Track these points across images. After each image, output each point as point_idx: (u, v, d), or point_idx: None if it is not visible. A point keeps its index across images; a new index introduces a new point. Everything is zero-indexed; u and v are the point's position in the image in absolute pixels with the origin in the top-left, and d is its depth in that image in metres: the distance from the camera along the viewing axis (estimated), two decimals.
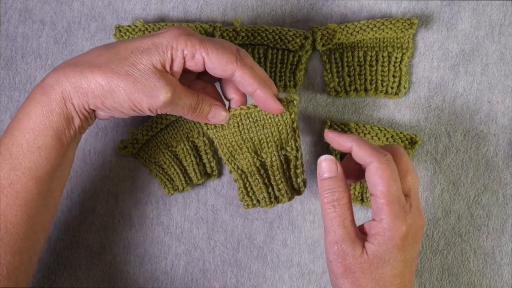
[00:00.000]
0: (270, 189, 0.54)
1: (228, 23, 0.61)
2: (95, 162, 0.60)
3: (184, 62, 0.48)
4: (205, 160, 0.60)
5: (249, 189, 0.54)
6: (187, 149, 0.60)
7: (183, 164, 0.60)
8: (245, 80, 0.49)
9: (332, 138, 0.51)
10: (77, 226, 0.60)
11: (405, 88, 0.60)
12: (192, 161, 0.59)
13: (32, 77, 0.61)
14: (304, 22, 0.62)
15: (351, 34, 0.59)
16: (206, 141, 0.60)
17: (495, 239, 0.60)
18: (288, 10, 0.62)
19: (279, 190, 0.54)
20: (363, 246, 0.47)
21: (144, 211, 0.60)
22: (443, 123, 0.61)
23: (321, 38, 0.60)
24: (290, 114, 0.52)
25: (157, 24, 0.60)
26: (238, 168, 0.54)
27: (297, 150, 0.53)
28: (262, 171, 0.54)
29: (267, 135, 0.53)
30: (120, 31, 0.60)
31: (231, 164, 0.54)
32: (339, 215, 0.48)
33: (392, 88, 0.60)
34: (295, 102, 0.52)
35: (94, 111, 0.49)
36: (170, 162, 0.59)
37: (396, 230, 0.46)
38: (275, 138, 0.53)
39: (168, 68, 0.48)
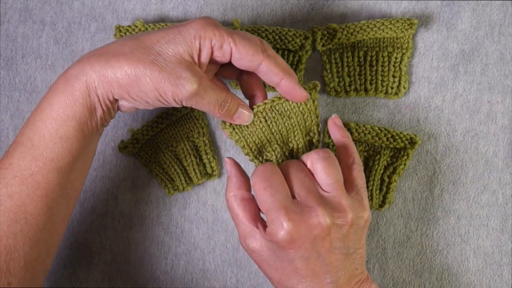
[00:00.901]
0: None
1: (228, 23, 0.61)
2: (95, 162, 0.60)
3: (212, 52, 0.48)
4: (205, 160, 0.60)
5: None
6: (187, 149, 0.60)
7: (183, 164, 0.60)
8: (271, 71, 0.49)
9: None
10: (77, 226, 0.60)
11: (405, 88, 0.60)
12: (192, 161, 0.59)
13: (32, 77, 0.61)
14: (304, 22, 0.62)
15: (351, 34, 0.59)
16: (206, 141, 0.60)
17: (495, 239, 0.60)
18: (288, 10, 0.62)
19: None
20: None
21: (144, 211, 0.60)
22: (443, 123, 0.61)
23: (321, 38, 0.60)
24: (314, 101, 0.52)
25: (157, 24, 0.60)
26: (266, 162, 0.53)
27: (319, 134, 0.53)
28: (289, 159, 0.53)
29: (293, 124, 0.53)
30: (120, 31, 0.60)
31: (258, 159, 0.53)
32: (240, 212, 0.49)
33: (392, 88, 0.60)
34: (317, 88, 0.52)
35: (117, 101, 0.49)
36: (170, 162, 0.59)
37: (274, 234, 0.47)
38: (301, 126, 0.53)
39: (196, 59, 0.47)
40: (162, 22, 0.61)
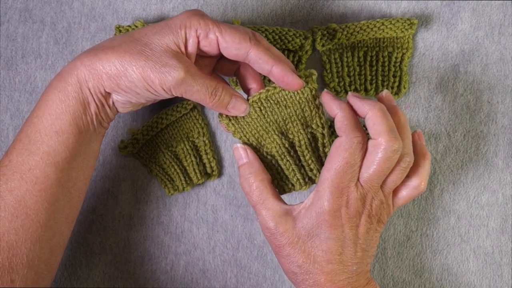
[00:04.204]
0: (302, 170, 0.52)
1: (228, 23, 0.61)
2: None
3: (198, 42, 0.49)
4: (205, 160, 0.60)
5: (281, 174, 0.53)
6: (187, 149, 0.60)
7: (183, 164, 0.60)
8: (260, 58, 0.49)
9: (325, 101, 0.50)
10: (77, 226, 0.60)
11: (405, 88, 0.60)
12: (192, 161, 0.59)
13: (32, 77, 0.62)
14: (304, 22, 0.62)
15: (351, 34, 0.59)
16: (206, 141, 0.60)
17: (495, 239, 0.60)
18: (288, 10, 0.62)
19: (311, 170, 0.52)
20: (294, 221, 0.48)
21: (144, 211, 0.60)
22: (443, 123, 0.61)
23: (321, 38, 0.60)
24: (311, 91, 0.51)
25: None
26: (267, 154, 0.53)
27: (323, 127, 0.52)
28: (292, 152, 0.52)
29: (290, 114, 0.52)
30: (120, 31, 0.60)
31: (259, 151, 0.53)
32: (259, 199, 0.50)
33: (392, 88, 0.60)
34: (313, 77, 0.51)
35: (110, 95, 0.50)
36: (170, 162, 0.59)
37: (321, 206, 0.48)
38: (299, 117, 0.52)
39: (183, 48, 0.48)
40: None
